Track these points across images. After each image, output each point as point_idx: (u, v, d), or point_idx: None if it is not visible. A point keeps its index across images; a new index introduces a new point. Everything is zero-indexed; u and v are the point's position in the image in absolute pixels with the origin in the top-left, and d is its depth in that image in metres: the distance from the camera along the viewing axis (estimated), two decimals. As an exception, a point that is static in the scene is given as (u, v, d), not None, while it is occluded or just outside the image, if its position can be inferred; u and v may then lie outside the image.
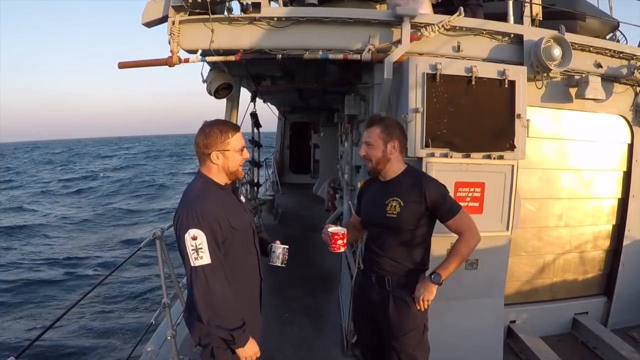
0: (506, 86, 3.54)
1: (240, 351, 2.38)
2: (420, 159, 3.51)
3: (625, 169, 4.67)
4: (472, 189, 3.56)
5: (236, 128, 2.46)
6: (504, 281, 3.97)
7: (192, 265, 2.22)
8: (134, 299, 11.61)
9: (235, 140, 2.40)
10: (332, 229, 2.76)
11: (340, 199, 8.08)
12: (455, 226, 2.64)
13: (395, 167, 2.73)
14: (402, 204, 2.63)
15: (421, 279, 2.68)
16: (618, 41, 5.01)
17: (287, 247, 2.77)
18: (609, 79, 4.28)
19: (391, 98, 3.84)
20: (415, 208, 2.62)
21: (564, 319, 4.73)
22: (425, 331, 2.75)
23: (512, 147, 3.54)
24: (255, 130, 8.24)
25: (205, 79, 4.78)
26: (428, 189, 2.62)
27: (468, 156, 3.52)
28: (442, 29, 3.72)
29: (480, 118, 3.53)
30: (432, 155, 3.51)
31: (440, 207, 2.62)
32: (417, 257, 2.73)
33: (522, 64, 3.84)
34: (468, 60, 3.71)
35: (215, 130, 2.36)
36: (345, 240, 2.76)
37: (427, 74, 3.45)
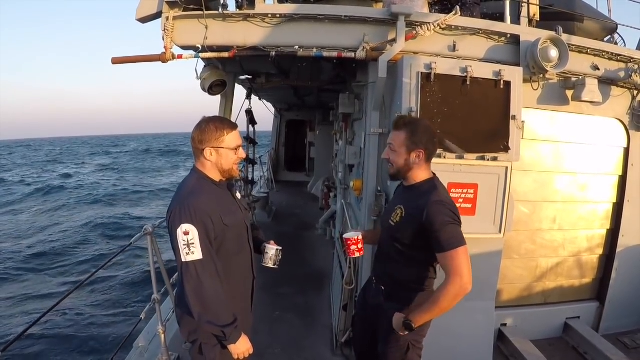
0: (501, 87, 3.49)
1: (232, 347, 2.37)
2: None
3: (620, 173, 4.64)
4: (465, 190, 3.52)
5: (233, 126, 2.43)
6: (495, 284, 3.94)
7: (183, 260, 2.21)
8: (123, 294, 11.61)
9: (230, 139, 2.38)
10: (346, 234, 2.70)
11: (334, 198, 8.07)
12: (443, 264, 2.34)
13: (416, 175, 2.55)
14: (403, 214, 2.50)
15: (396, 316, 2.46)
16: (616, 43, 4.98)
17: (281, 248, 2.73)
18: (606, 82, 4.25)
19: (385, 97, 3.81)
20: (414, 222, 2.41)
21: (555, 323, 4.71)
22: (409, 351, 2.59)
23: (506, 149, 3.50)
24: (251, 127, 8.23)
25: (199, 75, 4.75)
26: (430, 208, 2.34)
27: (462, 157, 3.47)
28: (438, 27, 3.68)
29: (475, 119, 3.49)
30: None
31: (434, 233, 2.32)
32: (413, 275, 2.57)
33: (518, 65, 3.81)
34: (464, 60, 3.67)
35: (211, 126, 2.35)
36: (360, 246, 2.69)
37: (421, 73, 3.40)
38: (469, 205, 3.52)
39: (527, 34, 3.89)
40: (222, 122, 2.41)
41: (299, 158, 14.84)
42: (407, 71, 3.44)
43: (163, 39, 3.83)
